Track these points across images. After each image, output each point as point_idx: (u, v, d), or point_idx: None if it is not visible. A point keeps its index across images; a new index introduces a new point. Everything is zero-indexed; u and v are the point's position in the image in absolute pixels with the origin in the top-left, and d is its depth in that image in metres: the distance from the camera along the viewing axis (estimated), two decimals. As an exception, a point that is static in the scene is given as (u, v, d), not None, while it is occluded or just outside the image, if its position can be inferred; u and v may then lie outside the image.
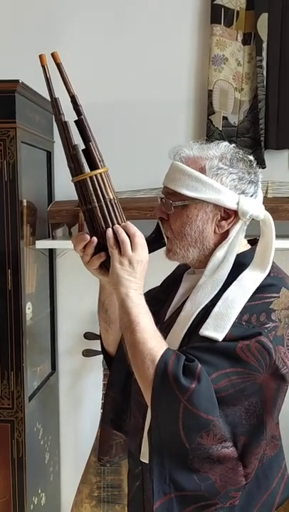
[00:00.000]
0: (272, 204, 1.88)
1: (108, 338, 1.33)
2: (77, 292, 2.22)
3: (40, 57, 1.11)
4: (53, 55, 1.12)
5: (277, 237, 1.86)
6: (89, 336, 2.13)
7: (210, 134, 2.05)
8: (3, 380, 1.82)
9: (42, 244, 2.04)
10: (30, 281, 2.00)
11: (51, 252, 2.23)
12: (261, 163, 2.03)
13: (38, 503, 2.01)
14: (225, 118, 2.05)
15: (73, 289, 2.24)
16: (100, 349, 1.42)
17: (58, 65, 1.12)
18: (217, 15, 2.02)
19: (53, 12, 2.15)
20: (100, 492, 2.08)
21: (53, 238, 2.10)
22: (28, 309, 1.95)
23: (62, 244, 2.10)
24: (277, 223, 1.88)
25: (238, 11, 2.03)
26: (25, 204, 1.88)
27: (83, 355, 2.15)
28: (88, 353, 2.13)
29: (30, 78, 1.72)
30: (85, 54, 2.15)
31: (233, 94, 2.05)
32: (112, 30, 2.13)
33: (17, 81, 1.68)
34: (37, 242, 2.01)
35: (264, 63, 2.00)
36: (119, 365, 1.28)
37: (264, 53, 2.00)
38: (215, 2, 2.02)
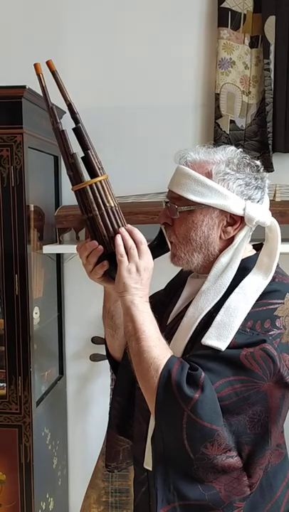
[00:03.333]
0: (280, 208, 1.87)
1: (114, 343, 1.33)
2: (85, 296, 2.22)
3: (35, 65, 1.10)
4: (47, 63, 1.11)
5: (286, 240, 1.86)
6: (96, 340, 2.12)
7: (217, 137, 2.04)
8: (10, 384, 1.82)
9: (49, 249, 2.04)
10: (38, 285, 2.00)
11: (59, 257, 2.24)
12: (269, 167, 2.02)
13: (46, 508, 2.01)
14: (232, 121, 2.04)
15: (81, 293, 2.24)
16: (106, 354, 1.42)
17: (54, 73, 1.11)
18: (224, 18, 2.02)
19: (58, 16, 2.16)
20: (107, 497, 2.07)
21: (61, 243, 2.10)
22: (36, 314, 1.95)
23: (69, 249, 2.10)
24: (286, 227, 1.89)
25: (245, 14, 2.02)
26: (32, 209, 1.88)
27: (91, 359, 2.14)
28: (96, 357, 2.13)
29: (37, 83, 1.72)
30: (91, 59, 2.15)
31: (241, 97, 2.04)
32: (117, 35, 2.13)
33: (24, 87, 1.69)
34: (44, 246, 2.01)
35: (271, 66, 1.99)
36: (125, 371, 1.26)
37: (271, 56, 1.99)
38: (222, 5, 2.01)
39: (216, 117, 2.05)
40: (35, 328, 1.93)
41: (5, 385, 1.83)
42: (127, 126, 2.16)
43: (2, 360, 1.83)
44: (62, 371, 2.28)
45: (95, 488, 2.09)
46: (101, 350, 2.12)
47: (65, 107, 2.25)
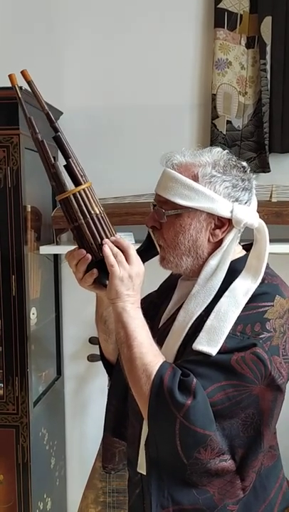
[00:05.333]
0: (276, 208, 1.87)
1: (108, 347, 1.33)
2: (82, 297, 2.19)
3: (10, 77, 1.09)
4: (22, 73, 1.10)
5: (282, 241, 1.86)
6: (94, 340, 2.13)
7: (214, 138, 2.04)
8: (8, 385, 1.82)
9: (46, 249, 2.04)
10: (35, 286, 2.00)
11: (56, 258, 2.24)
12: (266, 167, 2.02)
13: (44, 508, 2.01)
14: (229, 122, 2.04)
15: (78, 293, 2.21)
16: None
17: (29, 83, 1.10)
18: (220, 19, 2.01)
19: (54, 17, 2.15)
20: (105, 497, 2.08)
21: (58, 243, 2.10)
22: (33, 315, 1.96)
23: (66, 250, 2.08)
24: (282, 228, 1.89)
25: (241, 15, 2.02)
26: (29, 210, 1.88)
27: (88, 360, 2.14)
28: (93, 357, 2.13)
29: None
30: (89, 59, 2.15)
31: (237, 98, 2.04)
32: (114, 35, 2.13)
33: (20, 88, 1.68)
34: (41, 247, 2.01)
35: (268, 67, 1.99)
36: (120, 374, 1.25)
37: (268, 57, 1.99)
38: (218, 6, 2.01)
39: (213, 118, 2.05)
40: (33, 328, 1.94)
41: (2, 385, 1.84)
42: (123, 126, 2.16)
43: (-1, 360, 1.84)
44: (59, 371, 2.28)
45: (92, 488, 2.09)
46: (98, 350, 2.12)
47: (61, 108, 2.24)
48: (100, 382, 2.24)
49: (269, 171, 2.02)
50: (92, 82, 2.16)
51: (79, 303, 2.25)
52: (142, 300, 1.13)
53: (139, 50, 2.12)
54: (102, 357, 1.38)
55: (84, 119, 2.15)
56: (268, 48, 1.99)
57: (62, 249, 2.12)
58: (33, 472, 1.87)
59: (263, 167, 2.02)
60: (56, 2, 2.15)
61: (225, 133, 2.04)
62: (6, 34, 2.18)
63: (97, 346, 2.09)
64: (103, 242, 1.09)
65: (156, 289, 1.39)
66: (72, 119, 2.06)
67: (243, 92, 2.05)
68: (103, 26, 2.13)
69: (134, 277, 1.08)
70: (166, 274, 1.34)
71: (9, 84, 1.68)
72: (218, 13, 2.02)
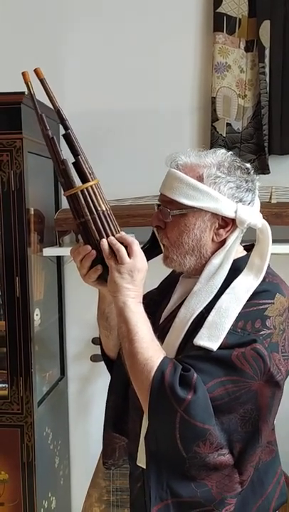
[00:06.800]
0: (276, 209, 1.90)
1: (109, 343, 1.35)
2: (85, 298, 2.22)
3: (23, 74, 1.11)
4: (35, 71, 1.12)
5: (282, 241, 1.89)
6: (97, 341, 2.12)
7: (214, 140, 2.07)
8: (12, 385, 1.85)
9: (49, 251, 2.06)
10: (39, 288, 2.03)
11: (59, 259, 2.26)
12: (265, 169, 2.04)
13: (49, 506, 2.03)
14: (229, 124, 2.07)
15: (81, 295, 2.26)
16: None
17: (42, 81, 1.12)
18: (219, 23, 2.04)
19: (55, 22, 2.18)
20: (109, 496, 2.10)
21: (61, 245, 2.13)
22: (37, 316, 1.98)
23: (69, 252, 2.12)
24: (282, 228, 1.91)
25: (240, 19, 2.04)
26: (32, 212, 1.90)
27: (91, 360, 2.17)
28: (96, 358, 2.15)
29: (35, 89, 1.75)
30: (89, 63, 2.18)
31: (237, 100, 2.07)
32: (114, 39, 2.15)
33: (23, 93, 1.71)
34: (44, 249, 2.04)
35: (267, 70, 2.02)
36: (120, 370, 1.28)
37: (266, 60, 2.02)
38: (217, 10, 2.04)
39: (213, 120, 2.07)
40: (36, 329, 1.96)
41: (7, 385, 1.86)
42: (124, 129, 2.18)
43: (4, 361, 1.86)
44: (63, 372, 2.31)
45: (96, 487, 2.12)
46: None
47: (66, 111, 2.26)
48: (103, 382, 2.25)
49: (269, 173, 2.05)
50: (92, 87, 2.18)
51: (82, 304, 2.27)
52: (143, 297, 1.15)
53: (139, 54, 2.14)
54: (103, 353, 1.40)
55: (84, 123, 2.16)
56: (267, 52, 2.02)
57: (65, 251, 2.14)
58: (38, 471, 1.89)
59: (263, 169, 2.04)
60: (56, 7, 2.18)
61: (225, 135, 2.07)
62: (9, 43, 2.20)
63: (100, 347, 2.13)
64: (108, 239, 1.11)
65: (156, 286, 1.41)
66: (73, 122, 2.08)
67: (243, 94, 2.07)
68: (103, 30, 2.16)
69: (135, 272, 1.10)
70: (167, 272, 1.36)
71: (11, 89, 1.73)
72: (217, 17, 2.05)
